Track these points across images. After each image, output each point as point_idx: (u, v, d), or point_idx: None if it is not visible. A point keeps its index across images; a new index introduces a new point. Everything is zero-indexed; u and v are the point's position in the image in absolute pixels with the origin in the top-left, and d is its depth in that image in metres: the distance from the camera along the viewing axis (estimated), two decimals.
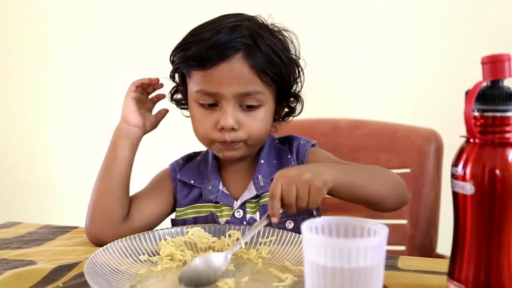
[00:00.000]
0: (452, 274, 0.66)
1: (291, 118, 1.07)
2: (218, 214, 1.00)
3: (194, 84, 0.94)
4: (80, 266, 0.80)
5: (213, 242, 0.87)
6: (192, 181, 1.03)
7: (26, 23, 2.44)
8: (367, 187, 0.88)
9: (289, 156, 1.02)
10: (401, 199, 0.94)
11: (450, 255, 0.67)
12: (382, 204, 0.92)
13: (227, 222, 0.98)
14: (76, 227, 1.01)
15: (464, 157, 0.63)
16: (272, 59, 0.93)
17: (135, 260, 0.80)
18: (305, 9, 1.96)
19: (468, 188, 0.62)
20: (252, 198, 0.99)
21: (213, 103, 0.93)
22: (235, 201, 1.00)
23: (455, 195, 0.64)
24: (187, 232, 0.89)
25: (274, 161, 1.02)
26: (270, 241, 0.87)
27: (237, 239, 0.87)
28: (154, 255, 0.83)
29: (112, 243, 0.81)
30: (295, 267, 0.78)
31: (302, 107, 1.06)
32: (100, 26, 2.33)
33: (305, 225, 0.58)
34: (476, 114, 0.62)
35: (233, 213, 0.99)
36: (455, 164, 0.64)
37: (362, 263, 0.54)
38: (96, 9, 2.33)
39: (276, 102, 1.00)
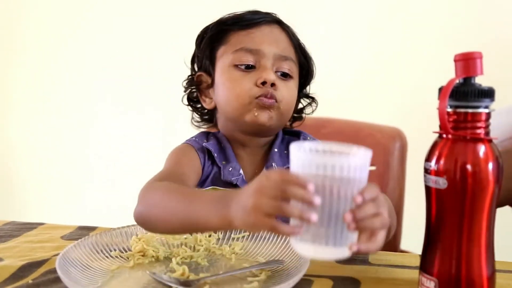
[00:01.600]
0: (424, 267, 0.67)
1: (300, 122, 1.10)
2: None
3: (232, 46, 0.96)
4: (50, 262, 0.78)
5: (185, 238, 0.86)
6: (215, 154, 0.98)
7: None
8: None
9: None
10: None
11: (422, 249, 0.68)
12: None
13: None
14: (42, 224, 0.99)
15: (437, 152, 0.64)
16: (298, 43, 1.02)
17: (107, 256, 0.79)
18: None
19: (441, 183, 0.63)
20: None
21: (250, 65, 0.95)
22: None
23: (428, 189, 0.66)
24: None
25: (285, 152, 1.02)
26: (243, 237, 0.87)
27: (210, 235, 0.87)
28: (126, 252, 0.81)
29: (83, 238, 0.79)
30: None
31: (316, 107, 1.09)
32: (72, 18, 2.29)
33: (294, 145, 0.60)
34: (449, 110, 0.64)
35: None
36: (428, 158, 0.65)
37: (345, 173, 0.58)
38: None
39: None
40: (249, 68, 0.94)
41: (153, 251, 0.80)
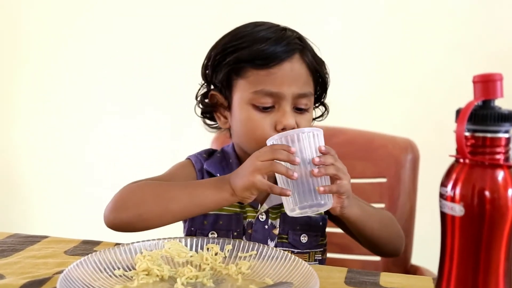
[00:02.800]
0: None
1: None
2: (243, 215, 1.01)
3: (251, 84, 0.94)
4: (52, 281, 0.76)
5: (191, 256, 0.84)
6: (218, 174, 1.01)
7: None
8: (374, 231, 1.00)
9: None
10: (395, 250, 1.07)
11: (436, 279, 0.65)
12: (380, 249, 1.05)
13: (251, 224, 1.00)
14: (46, 237, 0.97)
15: (453, 177, 0.62)
16: (317, 59, 0.99)
17: (110, 275, 0.77)
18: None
19: (457, 210, 0.61)
20: (278, 204, 1.01)
21: (269, 106, 0.94)
22: (260, 204, 1.01)
23: (443, 215, 0.63)
24: (164, 245, 0.86)
25: None
26: (250, 256, 0.84)
27: (216, 253, 0.84)
28: (130, 270, 0.79)
29: (86, 257, 0.77)
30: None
31: (327, 115, 1.10)
32: (76, 23, 2.28)
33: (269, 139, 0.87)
34: (467, 134, 0.61)
35: (258, 217, 1.00)
36: (444, 184, 0.63)
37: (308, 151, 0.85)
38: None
39: None
40: (268, 108, 0.94)
41: (158, 270, 0.78)
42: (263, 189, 0.85)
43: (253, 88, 0.94)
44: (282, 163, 0.84)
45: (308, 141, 0.85)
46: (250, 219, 1.01)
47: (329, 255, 1.40)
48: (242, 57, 0.94)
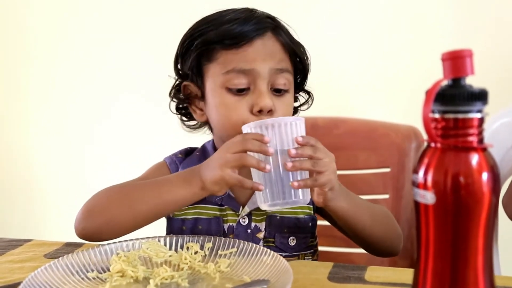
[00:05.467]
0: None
1: (296, 115, 1.04)
2: (223, 218, 0.95)
3: (221, 66, 0.89)
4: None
5: (170, 255, 0.81)
6: None
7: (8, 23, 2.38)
8: (366, 227, 0.92)
9: None
10: (392, 250, 0.99)
11: (413, 273, 0.61)
12: (374, 247, 0.97)
13: (232, 228, 0.94)
14: (29, 240, 0.95)
15: (425, 162, 0.58)
16: (293, 40, 0.94)
17: (82, 278, 0.75)
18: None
19: (429, 197, 0.56)
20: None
21: (243, 88, 0.88)
22: (241, 207, 0.94)
23: (417, 204, 0.59)
24: (142, 245, 0.83)
25: None
26: (231, 253, 0.81)
27: (196, 252, 0.81)
28: (105, 271, 0.77)
29: (57, 259, 0.75)
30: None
31: (311, 103, 1.04)
32: (88, 25, 2.28)
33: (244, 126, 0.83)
34: (437, 116, 0.57)
35: (239, 220, 0.94)
36: (415, 170, 0.58)
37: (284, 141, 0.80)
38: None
39: None
40: (243, 90, 0.88)
41: (132, 271, 0.75)
42: (233, 183, 0.81)
43: (224, 69, 0.88)
44: (255, 154, 0.79)
45: (285, 130, 0.79)
46: (231, 223, 0.95)
47: (332, 249, 1.36)
48: (210, 39, 0.89)
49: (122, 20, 2.22)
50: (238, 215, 0.95)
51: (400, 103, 1.85)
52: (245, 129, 0.83)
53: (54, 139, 2.41)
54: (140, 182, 0.91)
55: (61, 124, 2.38)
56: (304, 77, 0.99)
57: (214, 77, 0.90)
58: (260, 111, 0.87)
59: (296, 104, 1.02)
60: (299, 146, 0.79)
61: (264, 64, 0.87)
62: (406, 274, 0.76)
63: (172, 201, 0.85)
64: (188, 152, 1.02)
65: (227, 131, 0.90)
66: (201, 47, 0.90)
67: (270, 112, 0.88)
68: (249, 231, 0.94)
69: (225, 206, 0.94)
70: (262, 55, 0.88)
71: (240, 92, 0.88)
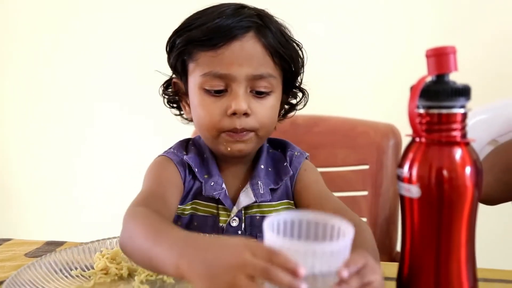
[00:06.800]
0: (401, 280, 0.62)
1: (292, 113, 1.00)
2: (218, 217, 0.91)
3: (200, 67, 0.86)
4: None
5: None
6: (196, 169, 0.91)
7: None
8: None
9: (285, 164, 0.94)
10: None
11: (398, 265, 0.62)
12: None
13: (222, 230, 0.90)
14: (9, 239, 0.94)
15: (409, 157, 0.59)
16: (282, 39, 0.88)
17: (66, 276, 0.74)
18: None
19: (414, 191, 0.57)
20: (251, 204, 0.91)
21: (220, 90, 0.85)
22: (234, 206, 0.91)
23: (402, 198, 0.60)
24: None
25: (269, 169, 0.95)
26: None
27: None
28: (89, 269, 0.76)
29: (40, 258, 0.74)
30: None
31: (306, 101, 0.99)
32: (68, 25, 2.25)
33: (268, 222, 0.55)
34: (422, 111, 0.58)
35: (229, 222, 0.91)
36: (400, 165, 0.60)
37: (325, 268, 0.51)
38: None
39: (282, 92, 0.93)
40: (221, 92, 0.85)
41: (116, 268, 0.75)
42: None
43: (202, 71, 0.86)
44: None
45: (327, 259, 0.52)
46: (222, 224, 0.91)
47: None
48: (191, 38, 0.86)
49: (109, 23, 2.19)
50: (229, 215, 0.92)
51: (380, 102, 1.87)
52: (269, 225, 0.55)
53: (31, 137, 2.37)
54: (147, 228, 0.69)
55: (38, 122, 2.35)
56: (295, 75, 0.95)
57: (194, 77, 0.88)
58: (234, 114, 0.84)
59: (294, 101, 1.00)
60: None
61: (240, 69, 0.84)
62: (388, 268, 0.77)
63: (158, 269, 0.64)
64: (184, 147, 0.98)
65: (203, 132, 0.89)
66: (181, 47, 0.88)
67: (245, 115, 0.85)
68: (239, 232, 0.91)
69: (219, 206, 0.92)
70: (240, 59, 0.84)
71: (217, 93, 0.86)
